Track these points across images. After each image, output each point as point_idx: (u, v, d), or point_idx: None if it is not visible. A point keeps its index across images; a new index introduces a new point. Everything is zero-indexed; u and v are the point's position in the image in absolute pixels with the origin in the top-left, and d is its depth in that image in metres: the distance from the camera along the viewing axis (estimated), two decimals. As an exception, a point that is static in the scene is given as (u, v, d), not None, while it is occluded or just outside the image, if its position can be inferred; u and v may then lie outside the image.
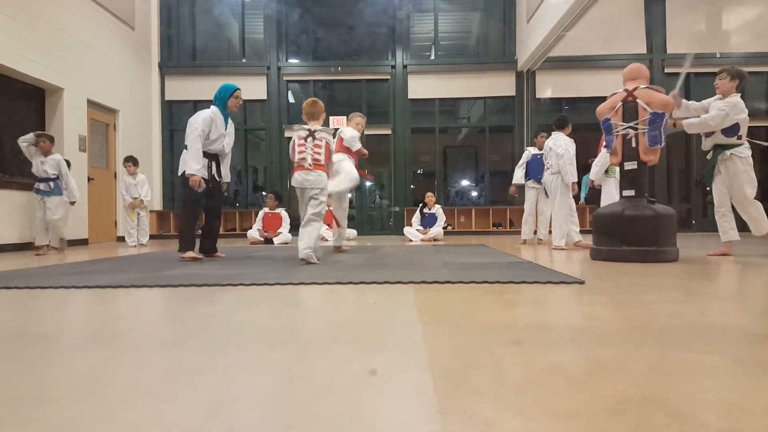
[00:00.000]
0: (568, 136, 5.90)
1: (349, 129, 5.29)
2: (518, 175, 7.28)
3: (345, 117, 10.69)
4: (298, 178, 4.05)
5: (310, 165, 4.01)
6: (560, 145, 5.74)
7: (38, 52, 7.17)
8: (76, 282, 2.95)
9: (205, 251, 4.74)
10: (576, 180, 5.73)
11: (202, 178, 4.39)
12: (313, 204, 4.02)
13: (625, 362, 1.28)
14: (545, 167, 6.05)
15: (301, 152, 4.06)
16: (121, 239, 9.10)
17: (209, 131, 4.47)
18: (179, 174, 4.49)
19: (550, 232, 6.36)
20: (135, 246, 7.39)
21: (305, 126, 4.18)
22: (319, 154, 4.04)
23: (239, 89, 4.70)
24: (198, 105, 10.98)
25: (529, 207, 7.11)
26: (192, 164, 4.30)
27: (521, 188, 7.39)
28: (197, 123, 4.40)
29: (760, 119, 10.16)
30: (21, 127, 7.23)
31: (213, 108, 4.57)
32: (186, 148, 4.39)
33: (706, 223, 10.55)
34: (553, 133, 6.00)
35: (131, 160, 7.57)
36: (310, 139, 4.06)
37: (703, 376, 1.17)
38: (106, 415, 0.97)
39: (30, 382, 1.19)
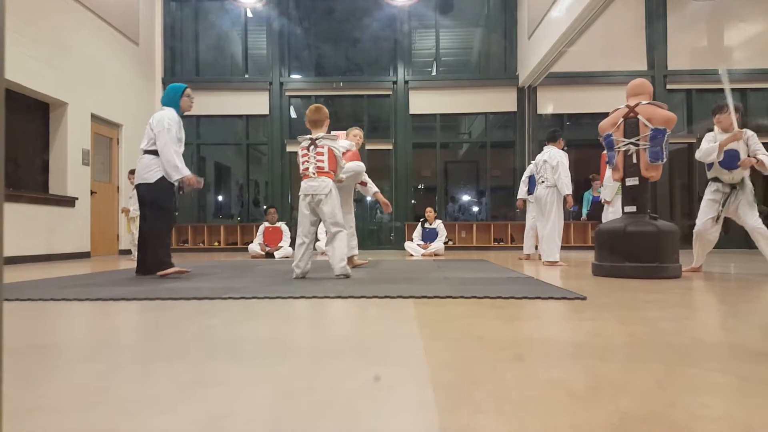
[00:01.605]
0: (561, 149, 5.89)
1: (345, 141, 5.33)
2: (523, 190, 7.40)
3: (345, 132, 10.83)
4: (303, 185, 4.03)
5: (313, 173, 3.98)
6: (555, 158, 5.69)
7: (43, 67, 7.25)
8: (78, 294, 2.94)
9: (149, 271, 4.23)
10: (570, 192, 5.70)
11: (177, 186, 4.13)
12: (326, 213, 3.96)
13: (627, 378, 1.27)
14: (539, 180, 5.95)
15: (304, 162, 4.04)
16: (123, 252, 9.11)
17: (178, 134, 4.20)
18: (152, 182, 4.14)
19: None
20: (135, 259, 7.35)
21: (308, 136, 4.13)
22: (321, 161, 4.00)
23: (188, 88, 4.44)
24: (201, 120, 11.10)
25: (530, 221, 7.15)
26: (181, 167, 4.09)
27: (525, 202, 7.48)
28: (169, 123, 4.12)
29: (763, 136, 10.18)
30: (26, 141, 7.29)
31: (171, 110, 4.27)
32: (153, 153, 4.15)
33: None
34: (545, 147, 5.98)
35: (133, 172, 7.60)
36: (312, 147, 4.03)
37: (706, 392, 1.16)
38: (107, 427, 0.97)
39: (32, 393, 1.18)
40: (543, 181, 5.86)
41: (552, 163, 5.70)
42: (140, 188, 4.27)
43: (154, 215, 4.21)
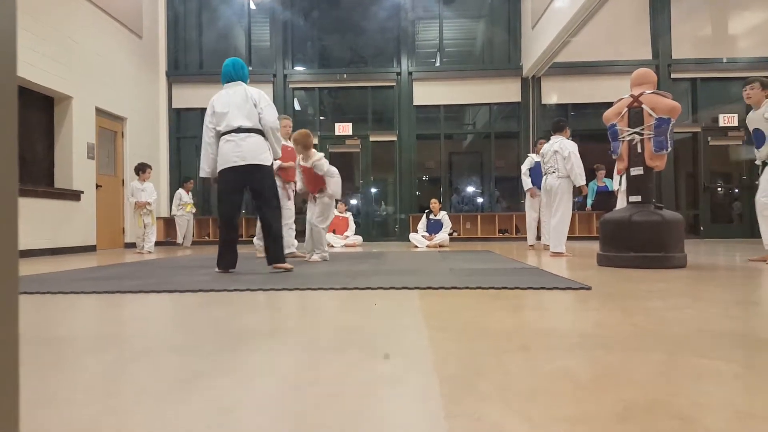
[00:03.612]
0: (568, 139, 5.84)
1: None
2: (527, 181, 7.41)
3: (350, 124, 10.83)
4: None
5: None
6: (566, 148, 5.64)
7: (47, 61, 7.26)
8: (86, 287, 2.97)
9: (233, 264, 3.99)
10: (585, 183, 5.67)
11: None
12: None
13: (632, 368, 1.27)
14: (551, 170, 5.83)
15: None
16: (129, 245, 9.16)
17: None
18: (267, 164, 3.89)
19: None
20: (141, 252, 7.40)
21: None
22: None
23: None
24: (205, 113, 11.09)
25: (531, 213, 7.24)
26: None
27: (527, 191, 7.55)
28: (269, 99, 4.00)
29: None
30: (31, 135, 7.32)
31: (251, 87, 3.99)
32: (260, 133, 3.89)
33: (714, 230, 10.49)
34: (552, 137, 5.91)
35: (139, 167, 7.62)
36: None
37: (711, 381, 1.16)
38: (117, 418, 0.98)
39: (42, 385, 1.20)
40: (553, 172, 5.76)
41: (564, 154, 5.64)
42: (250, 170, 3.86)
43: (274, 201, 3.96)
